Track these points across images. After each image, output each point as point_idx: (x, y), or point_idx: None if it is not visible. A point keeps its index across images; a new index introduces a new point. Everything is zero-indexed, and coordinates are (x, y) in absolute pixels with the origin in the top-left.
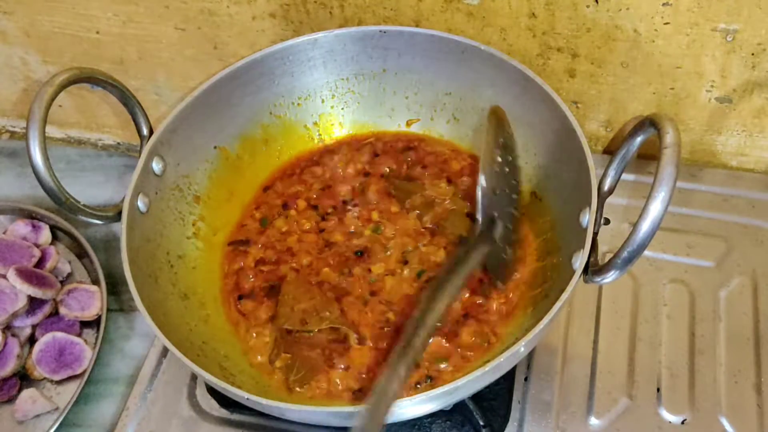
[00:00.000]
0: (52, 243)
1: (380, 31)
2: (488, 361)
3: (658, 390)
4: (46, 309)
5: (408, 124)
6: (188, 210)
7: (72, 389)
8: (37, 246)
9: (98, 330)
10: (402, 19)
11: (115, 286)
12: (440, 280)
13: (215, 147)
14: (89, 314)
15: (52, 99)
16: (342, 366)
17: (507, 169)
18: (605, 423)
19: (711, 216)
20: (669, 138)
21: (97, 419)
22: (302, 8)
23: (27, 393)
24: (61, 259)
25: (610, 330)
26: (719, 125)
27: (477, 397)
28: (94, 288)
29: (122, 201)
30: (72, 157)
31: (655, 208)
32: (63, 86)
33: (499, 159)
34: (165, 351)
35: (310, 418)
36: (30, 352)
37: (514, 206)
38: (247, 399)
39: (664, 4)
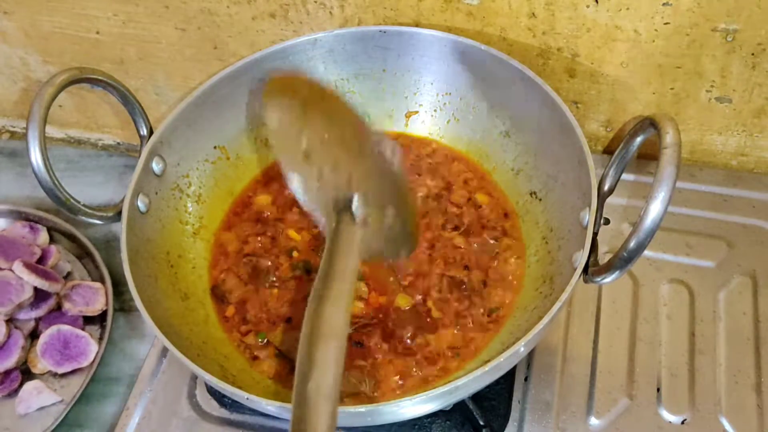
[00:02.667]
0: (50, 245)
1: (380, 31)
2: (488, 361)
3: (658, 390)
4: (51, 303)
5: (407, 116)
6: (188, 210)
7: (76, 384)
8: (37, 246)
9: (102, 326)
10: (402, 19)
11: (115, 286)
12: (314, 293)
13: (215, 147)
14: (93, 309)
15: (52, 99)
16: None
17: (327, 135)
18: (605, 423)
19: (711, 216)
20: (669, 138)
21: (97, 419)
22: (302, 8)
23: (31, 384)
24: (61, 258)
25: (610, 330)
26: (719, 125)
27: (477, 397)
28: (98, 285)
29: (122, 201)
30: (72, 157)
31: (655, 208)
32: (63, 86)
33: (305, 144)
34: (165, 351)
35: None
36: (33, 345)
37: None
38: (247, 399)
39: (664, 4)
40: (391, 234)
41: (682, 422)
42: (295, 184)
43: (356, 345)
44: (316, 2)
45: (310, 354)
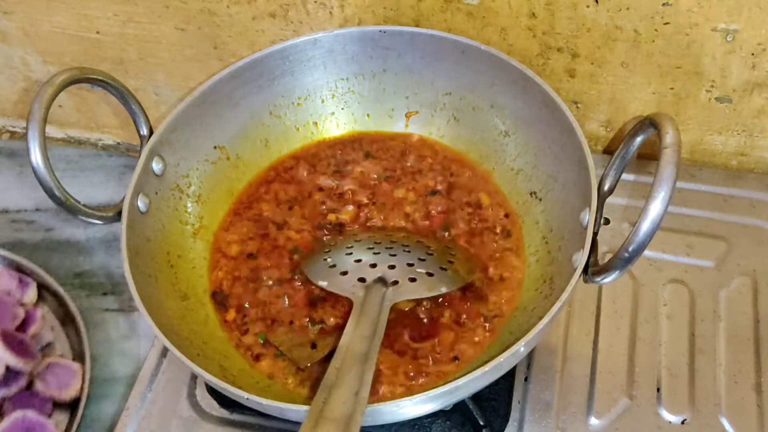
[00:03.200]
0: (36, 303)
1: (380, 31)
2: (488, 361)
3: (658, 390)
4: (22, 382)
5: (407, 116)
6: (188, 210)
7: None
8: (22, 305)
9: (72, 414)
10: (402, 19)
11: (115, 286)
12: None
13: (215, 147)
14: (66, 395)
15: (52, 99)
16: None
17: None
18: (605, 423)
19: (711, 216)
20: (669, 138)
21: (97, 419)
22: (302, 8)
23: None
24: (45, 326)
25: (610, 330)
26: (719, 125)
27: (477, 397)
28: (76, 365)
29: (122, 201)
30: (72, 157)
31: (655, 208)
32: (63, 86)
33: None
34: (165, 351)
35: None
36: None
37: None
38: (247, 399)
39: (664, 4)
40: (427, 277)
41: (682, 422)
42: (321, 283)
43: None
44: (316, 2)
45: None
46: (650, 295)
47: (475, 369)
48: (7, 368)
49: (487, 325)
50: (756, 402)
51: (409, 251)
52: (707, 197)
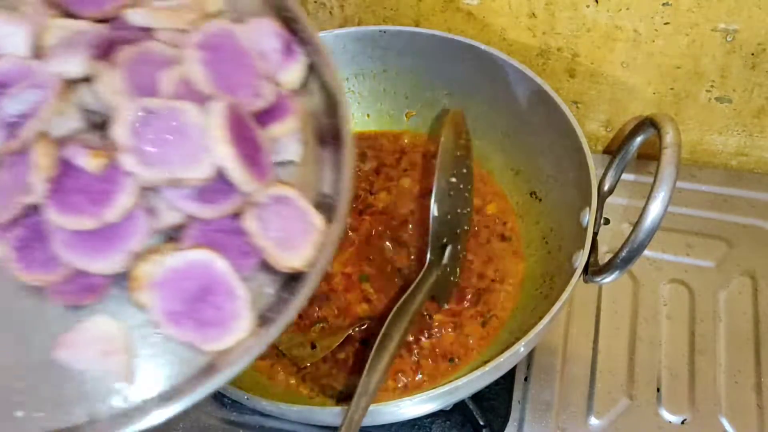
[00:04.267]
0: (299, 92)
1: (380, 31)
2: (488, 361)
3: (658, 390)
4: (228, 206)
5: (407, 116)
6: None
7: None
8: (277, 84)
9: (283, 303)
10: (402, 19)
11: None
12: (396, 312)
13: None
14: (286, 260)
15: None
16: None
17: (461, 185)
18: (605, 423)
19: (711, 216)
20: (669, 138)
21: None
22: (302, 8)
23: (99, 324)
24: (293, 137)
25: (610, 330)
26: (719, 125)
27: (477, 397)
28: (318, 220)
29: None
30: None
31: (655, 208)
32: None
33: (454, 180)
34: None
35: (310, 418)
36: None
37: (466, 223)
38: (247, 399)
39: (664, 4)
40: (444, 283)
41: (682, 422)
42: (434, 213)
43: (362, 344)
44: (316, 2)
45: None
46: (650, 295)
47: (474, 369)
48: (219, 175)
49: (487, 325)
50: (756, 402)
51: None
52: (707, 197)
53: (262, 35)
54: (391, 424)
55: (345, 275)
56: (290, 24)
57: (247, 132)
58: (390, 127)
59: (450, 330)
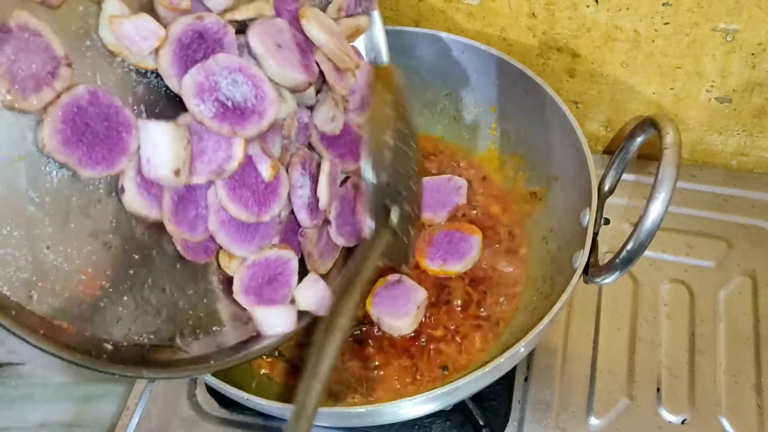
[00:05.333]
0: None
1: None
2: (488, 361)
3: (658, 390)
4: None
5: None
6: None
7: None
8: None
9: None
10: (402, 19)
11: None
12: (344, 285)
13: None
14: (324, 267)
15: None
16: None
17: (401, 144)
18: (605, 423)
19: (711, 216)
20: (669, 138)
21: (97, 419)
22: None
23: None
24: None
25: (610, 330)
26: (719, 125)
27: (477, 397)
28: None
29: None
30: None
31: (656, 208)
32: None
33: (389, 140)
34: None
35: None
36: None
37: (412, 180)
38: (247, 399)
39: (664, 4)
40: (402, 246)
41: (682, 422)
42: (370, 181)
43: (359, 344)
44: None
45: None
46: (650, 295)
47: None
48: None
49: (488, 325)
50: (756, 402)
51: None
52: (707, 197)
53: None
54: (391, 424)
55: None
56: None
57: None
58: None
59: (453, 332)
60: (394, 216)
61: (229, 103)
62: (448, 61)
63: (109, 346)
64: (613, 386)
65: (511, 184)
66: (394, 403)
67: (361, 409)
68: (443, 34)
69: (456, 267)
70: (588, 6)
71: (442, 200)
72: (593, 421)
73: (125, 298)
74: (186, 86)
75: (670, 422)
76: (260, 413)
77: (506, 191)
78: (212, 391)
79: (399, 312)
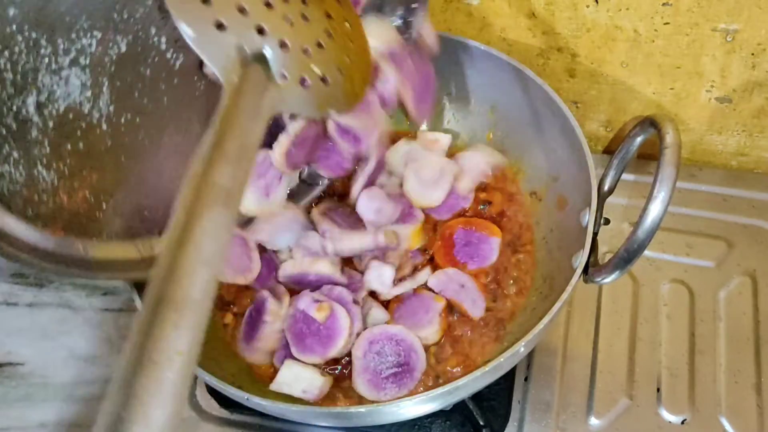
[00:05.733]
0: None
1: None
2: (488, 361)
3: (658, 390)
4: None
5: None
6: None
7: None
8: None
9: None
10: None
11: (115, 286)
12: (202, 153)
13: None
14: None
15: None
16: None
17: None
18: (605, 423)
19: (711, 216)
20: (669, 138)
21: (97, 419)
22: None
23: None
24: None
25: (610, 330)
26: (719, 125)
27: (477, 397)
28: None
29: None
30: None
31: (655, 208)
32: None
33: None
34: None
35: (310, 418)
36: None
37: None
38: (247, 399)
39: (664, 4)
40: (321, 87)
41: (682, 422)
42: (186, 29)
43: None
44: None
45: (189, 221)
46: (650, 295)
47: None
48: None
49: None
50: (756, 402)
51: (307, 18)
52: (707, 197)
53: None
54: (391, 424)
55: None
56: None
57: None
58: (390, 127)
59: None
60: (273, 58)
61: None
62: (448, 61)
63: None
64: (613, 386)
65: (512, 184)
66: (394, 403)
67: (361, 409)
68: (443, 34)
69: (475, 268)
70: (588, 6)
71: (449, 204)
72: (593, 421)
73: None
74: None
75: (670, 422)
76: (260, 413)
77: (507, 191)
78: (212, 391)
79: (422, 323)
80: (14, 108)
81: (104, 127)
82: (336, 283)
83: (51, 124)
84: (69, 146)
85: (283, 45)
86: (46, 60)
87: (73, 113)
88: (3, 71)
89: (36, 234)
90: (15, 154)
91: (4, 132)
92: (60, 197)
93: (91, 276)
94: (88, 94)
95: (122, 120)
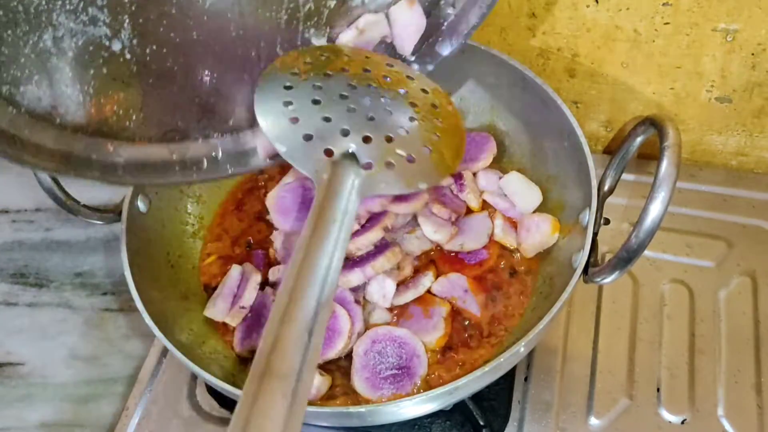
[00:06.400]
0: None
1: None
2: (488, 361)
3: (658, 390)
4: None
5: None
6: (188, 210)
7: None
8: None
9: None
10: None
11: (115, 286)
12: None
13: None
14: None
15: None
16: None
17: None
18: (605, 423)
19: (711, 216)
20: (669, 138)
21: (97, 419)
22: None
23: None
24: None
25: (610, 330)
26: (719, 125)
27: (477, 397)
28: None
29: (122, 201)
30: None
31: (655, 208)
32: None
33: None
34: (165, 351)
35: (310, 418)
36: None
37: None
38: None
39: (664, 4)
40: (408, 166)
41: (682, 422)
42: (280, 147)
43: None
44: None
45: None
46: (650, 295)
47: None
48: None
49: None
50: (756, 402)
51: (390, 111)
52: (707, 197)
53: None
54: (391, 424)
55: None
56: None
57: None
58: None
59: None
60: (358, 151)
61: None
62: (448, 62)
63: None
64: (613, 386)
65: None
66: (394, 403)
67: (361, 409)
68: None
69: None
70: (588, 6)
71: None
72: (593, 421)
73: None
74: None
75: (670, 422)
76: None
77: None
78: (212, 391)
79: (427, 328)
80: (30, 42)
81: (128, 56)
82: None
83: (70, 54)
84: (92, 72)
85: (366, 140)
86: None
87: (93, 46)
88: (16, 11)
89: (65, 137)
90: (36, 77)
91: (22, 60)
92: (87, 110)
93: (118, 180)
94: (107, 31)
95: (147, 51)
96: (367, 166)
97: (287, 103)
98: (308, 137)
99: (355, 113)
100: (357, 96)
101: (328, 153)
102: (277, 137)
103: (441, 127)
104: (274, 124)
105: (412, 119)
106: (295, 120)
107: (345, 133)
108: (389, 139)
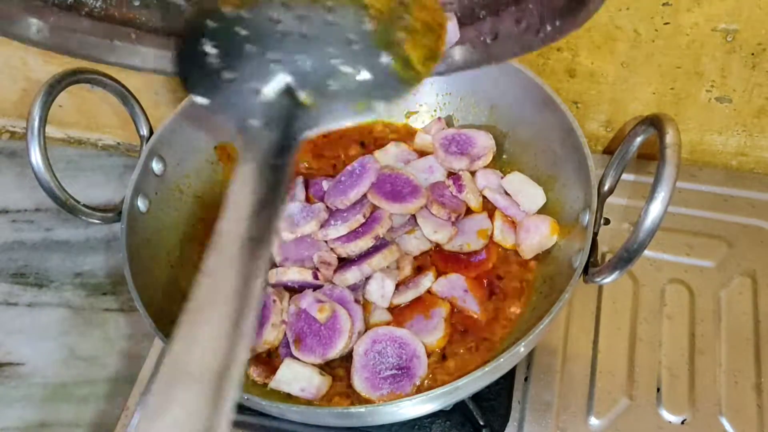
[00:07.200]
0: None
1: None
2: (488, 362)
3: (658, 390)
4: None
5: (407, 116)
6: (188, 210)
7: None
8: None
9: None
10: None
11: (115, 286)
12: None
13: (216, 147)
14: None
15: (53, 99)
16: None
17: None
18: (605, 423)
19: (711, 216)
20: (669, 138)
21: (96, 419)
22: None
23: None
24: None
25: (610, 330)
26: (719, 125)
27: (477, 397)
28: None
29: (122, 201)
30: (72, 157)
31: (655, 208)
32: (63, 86)
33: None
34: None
35: (310, 418)
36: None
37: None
38: (247, 399)
39: (664, 4)
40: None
41: (682, 422)
42: (201, 102)
43: None
44: None
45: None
46: (650, 295)
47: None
48: None
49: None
50: (756, 402)
51: (333, 21)
52: (707, 197)
53: None
54: (391, 424)
55: None
56: None
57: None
58: None
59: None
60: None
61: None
62: None
63: None
64: (613, 386)
65: None
66: (394, 403)
67: (361, 409)
68: None
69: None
70: None
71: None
72: (593, 421)
73: None
74: None
75: (670, 422)
76: (260, 413)
77: None
78: None
79: (427, 328)
80: None
81: None
82: (313, 287)
83: None
84: None
85: (300, 64)
86: None
87: None
88: None
89: None
90: None
91: None
92: None
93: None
94: None
95: None
96: (306, 97)
97: (208, 47)
98: (230, 80)
99: (288, 37)
100: (291, 17)
101: (257, 92)
102: (197, 90)
103: (409, 26)
104: (195, 80)
105: (362, 23)
106: (216, 65)
107: (276, 63)
108: (332, 56)
